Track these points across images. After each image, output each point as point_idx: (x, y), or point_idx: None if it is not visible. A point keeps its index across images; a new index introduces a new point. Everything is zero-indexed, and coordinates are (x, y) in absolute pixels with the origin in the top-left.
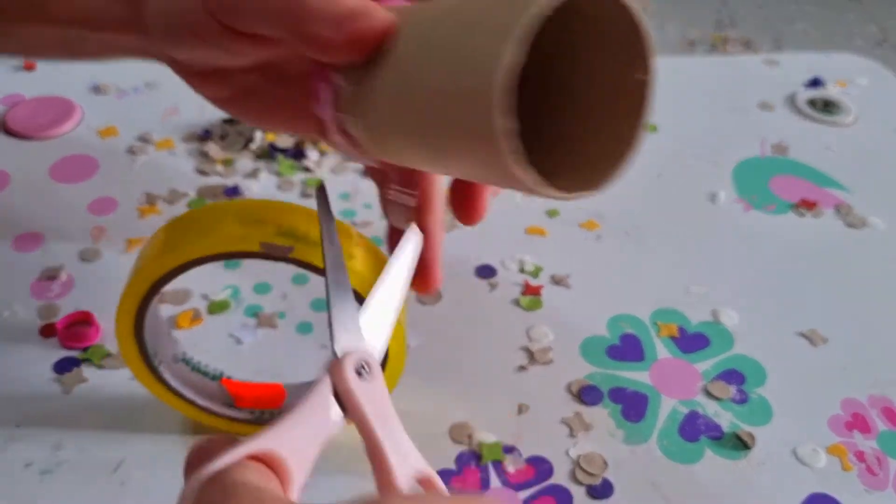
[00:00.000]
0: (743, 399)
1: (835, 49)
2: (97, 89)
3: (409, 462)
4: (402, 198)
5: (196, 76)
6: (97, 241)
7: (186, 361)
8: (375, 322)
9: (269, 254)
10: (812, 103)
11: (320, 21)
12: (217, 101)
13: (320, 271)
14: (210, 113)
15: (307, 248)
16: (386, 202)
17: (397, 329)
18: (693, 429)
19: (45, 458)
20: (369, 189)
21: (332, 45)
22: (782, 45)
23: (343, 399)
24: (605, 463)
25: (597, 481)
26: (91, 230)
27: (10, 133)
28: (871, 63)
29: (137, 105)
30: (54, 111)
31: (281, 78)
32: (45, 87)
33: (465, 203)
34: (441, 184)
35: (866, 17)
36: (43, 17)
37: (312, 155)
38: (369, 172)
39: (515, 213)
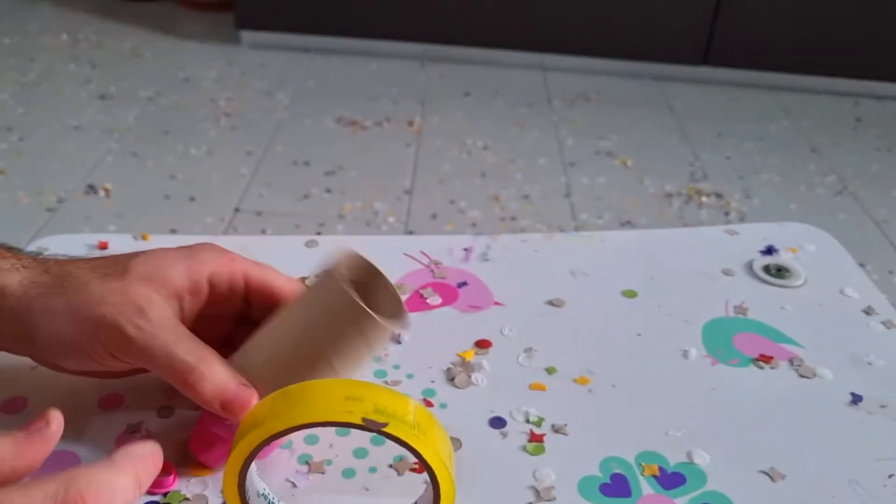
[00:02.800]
0: None
1: (799, 198)
2: None
3: None
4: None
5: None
6: (171, 399)
7: (264, 496)
8: None
9: (368, 427)
10: (766, 269)
11: (207, 403)
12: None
13: (406, 445)
14: None
15: (397, 425)
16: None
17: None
18: None
19: None
20: (397, 351)
21: (210, 408)
22: (750, 194)
23: None
24: None
25: None
26: (166, 390)
27: None
28: (817, 231)
29: None
30: None
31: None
32: None
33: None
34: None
35: (826, 167)
36: None
37: None
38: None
39: (520, 371)
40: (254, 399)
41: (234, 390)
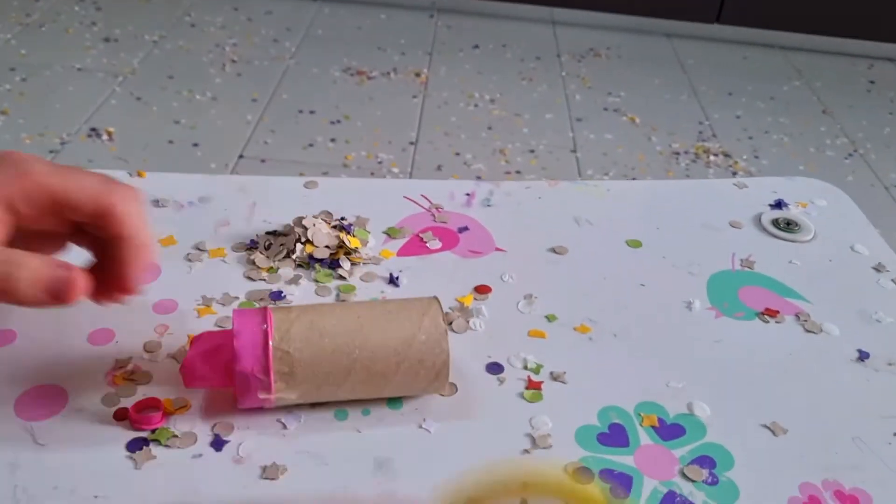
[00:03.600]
0: (714, 481)
1: (808, 160)
2: (157, 202)
3: None
4: None
5: None
6: (161, 336)
7: None
8: None
9: None
10: (775, 223)
11: (29, 297)
12: None
13: None
14: (256, 226)
15: None
16: None
17: None
18: None
19: None
20: (394, 294)
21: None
22: (759, 154)
23: None
24: None
25: None
26: (156, 327)
27: None
28: (828, 185)
29: (193, 217)
30: None
31: None
32: None
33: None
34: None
35: (837, 129)
36: None
37: (345, 265)
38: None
39: (519, 318)
40: (75, 274)
41: (49, 272)
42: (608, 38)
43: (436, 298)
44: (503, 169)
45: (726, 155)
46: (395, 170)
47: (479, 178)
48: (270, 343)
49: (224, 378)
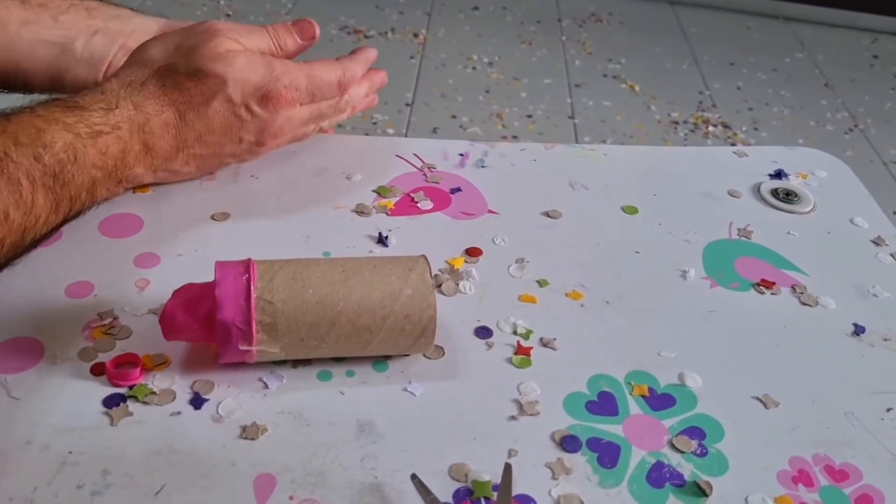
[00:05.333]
0: (703, 453)
1: (808, 133)
2: None
3: None
4: None
5: None
6: (142, 291)
7: None
8: None
9: None
10: (774, 193)
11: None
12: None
13: None
14: (242, 183)
15: None
16: None
17: None
18: (659, 476)
19: (95, 482)
20: (383, 253)
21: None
22: (759, 126)
23: None
24: (582, 503)
25: None
26: (136, 281)
27: None
28: (830, 157)
29: None
30: None
31: None
32: None
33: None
34: None
35: (838, 103)
36: None
37: None
38: None
39: (510, 282)
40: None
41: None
42: (610, 4)
43: (423, 256)
44: (499, 133)
45: (725, 126)
46: (391, 131)
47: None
48: (253, 292)
49: (205, 330)
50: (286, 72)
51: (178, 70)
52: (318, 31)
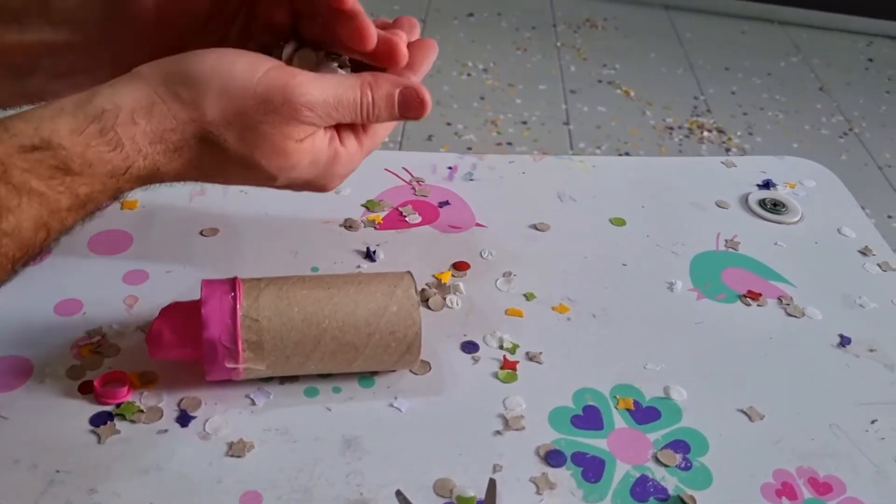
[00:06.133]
0: (687, 466)
1: (803, 137)
2: None
3: None
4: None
5: None
6: (130, 308)
7: None
8: None
9: None
10: (762, 203)
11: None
12: None
13: None
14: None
15: None
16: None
17: None
18: (643, 491)
19: (82, 500)
20: (370, 269)
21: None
22: (753, 131)
23: None
24: None
25: None
26: (125, 298)
27: None
28: (818, 166)
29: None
30: None
31: None
32: None
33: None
34: None
35: (832, 107)
36: None
37: None
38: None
39: (497, 296)
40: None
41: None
42: (605, 9)
43: (409, 272)
44: (494, 140)
45: (720, 131)
46: (385, 139)
47: (469, 149)
48: (239, 311)
49: (191, 348)
50: (347, 170)
51: (228, 149)
52: (429, 107)
